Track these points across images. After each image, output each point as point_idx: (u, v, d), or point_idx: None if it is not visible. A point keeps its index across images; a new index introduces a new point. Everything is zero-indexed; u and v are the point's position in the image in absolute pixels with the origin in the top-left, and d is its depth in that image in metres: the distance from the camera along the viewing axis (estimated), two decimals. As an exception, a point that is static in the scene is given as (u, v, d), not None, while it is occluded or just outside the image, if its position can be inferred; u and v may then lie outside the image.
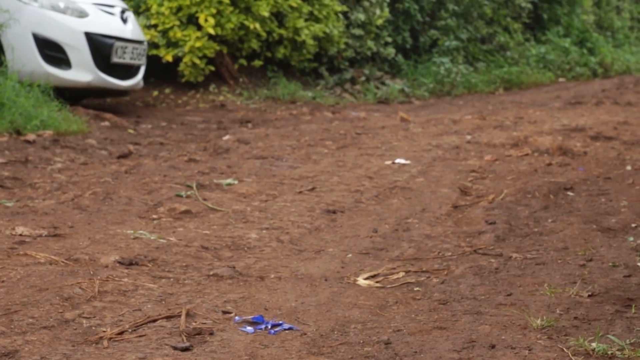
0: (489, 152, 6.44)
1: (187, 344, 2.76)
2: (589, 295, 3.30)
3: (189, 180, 5.24)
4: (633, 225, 4.41)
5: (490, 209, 4.72)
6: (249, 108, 10.23)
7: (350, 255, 3.93)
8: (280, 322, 3.01)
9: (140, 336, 2.83)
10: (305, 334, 2.92)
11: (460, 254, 3.96)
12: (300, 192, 5.08)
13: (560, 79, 15.58)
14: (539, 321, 2.98)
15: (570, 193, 5.14)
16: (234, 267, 3.60)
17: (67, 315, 2.98)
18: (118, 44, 8.58)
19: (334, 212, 4.67)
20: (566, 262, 3.77)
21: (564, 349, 2.77)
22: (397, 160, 6.07)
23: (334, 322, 3.04)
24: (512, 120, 8.52)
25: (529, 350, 2.76)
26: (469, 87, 13.10)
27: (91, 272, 3.42)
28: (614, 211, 4.69)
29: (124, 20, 8.91)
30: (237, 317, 3.04)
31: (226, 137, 7.32)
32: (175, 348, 2.74)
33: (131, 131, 7.88)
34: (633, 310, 3.14)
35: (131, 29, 8.99)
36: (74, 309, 3.04)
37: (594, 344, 2.79)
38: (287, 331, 2.94)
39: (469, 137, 7.18)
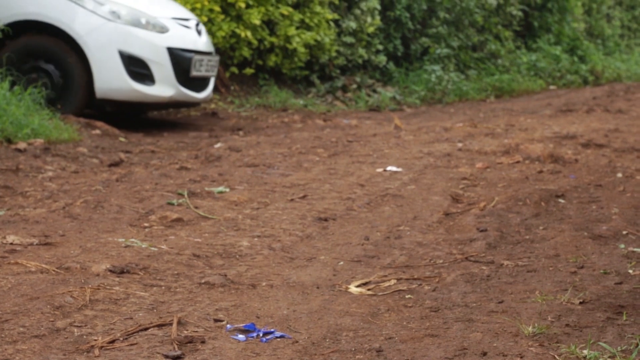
0: (481, 160, 6.44)
1: (179, 353, 2.76)
2: (581, 303, 3.31)
3: (181, 188, 5.23)
4: (624, 232, 4.41)
5: (482, 216, 4.73)
6: (241, 116, 10.23)
7: (342, 262, 3.93)
8: (272, 330, 3.00)
9: (131, 345, 2.83)
10: (297, 341, 2.92)
11: (451, 261, 3.96)
12: (291, 200, 5.08)
13: (551, 87, 15.61)
14: (530, 328, 2.98)
15: (561, 200, 5.15)
16: (225, 275, 3.60)
17: (58, 324, 2.97)
18: (196, 57, 8.64)
19: (326, 219, 4.67)
20: (557, 270, 3.78)
21: (556, 356, 2.78)
22: (389, 168, 6.08)
23: (325, 329, 3.04)
24: (503, 127, 8.53)
25: (521, 357, 2.76)
26: (460, 94, 13.12)
27: (82, 281, 3.41)
28: (605, 218, 4.70)
29: (199, 33, 8.96)
30: (228, 325, 3.03)
31: (218, 145, 7.32)
32: (166, 356, 2.73)
33: (122, 139, 7.87)
34: (624, 318, 3.14)
35: (205, 41, 9.05)
36: (65, 317, 3.04)
37: (585, 351, 2.79)
38: (278, 339, 2.94)
39: (460, 144, 7.19)
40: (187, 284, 3.51)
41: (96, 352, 2.76)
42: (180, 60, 8.51)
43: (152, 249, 3.97)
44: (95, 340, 2.85)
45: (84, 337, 2.88)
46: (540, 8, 17.11)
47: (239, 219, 4.62)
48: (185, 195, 5.03)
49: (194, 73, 8.66)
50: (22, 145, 6.49)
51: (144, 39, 8.32)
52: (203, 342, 2.87)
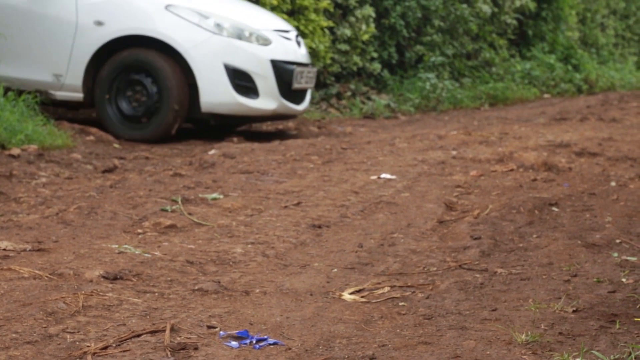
0: (475, 168, 6.45)
1: (172, 359, 2.75)
2: (574, 311, 3.31)
3: (174, 195, 5.23)
4: (617, 241, 4.42)
5: (476, 224, 4.73)
6: (235, 123, 10.21)
7: (335, 270, 3.93)
8: (265, 337, 3.00)
9: (124, 351, 2.82)
10: (290, 348, 2.92)
11: (445, 269, 3.96)
12: (285, 207, 5.08)
13: (545, 95, 15.64)
14: (523, 336, 2.98)
15: (555, 209, 5.15)
16: (219, 282, 3.59)
17: (50, 330, 2.96)
18: (297, 69, 8.61)
19: (320, 226, 4.67)
20: (551, 278, 3.78)
21: (549, 364, 2.78)
22: (383, 175, 6.08)
23: (319, 337, 3.04)
24: (497, 135, 8.54)
25: (514, 365, 2.76)
26: (455, 102, 13.14)
27: (75, 287, 3.40)
28: (599, 227, 4.70)
29: (298, 44, 8.94)
30: (221, 332, 3.03)
31: (212, 152, 7.32)
32: (159, 363, 2.73)
33: (116, 145, 7.86)
34: (617, 326, 3.14)
35: (304, 52, 9.03)
36: (58, 323, 3.03)
37: (578, 359, 2.79)
38: (272, 346, 2.94)
39: (454, 152, 7.20)
40: (180, 290, 3.51)
41: (89, 358, 2.75)
42: (282, 72, 8.47)
43: (146, 255, 3.97)
44: (88, 346, 2.84)
45: (77, 343, 2.88)
46: (535, 17, 17.14)
47: (233, 226, 4.62)
48: (179, 202, 5.03)
49: (296, 85, 8.62)
50: (15, 151, 6.49)
51: (248, 51, 8.28)
52: (196, 348, 2.86)
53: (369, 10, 12.46)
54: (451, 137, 8.30)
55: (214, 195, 5.29)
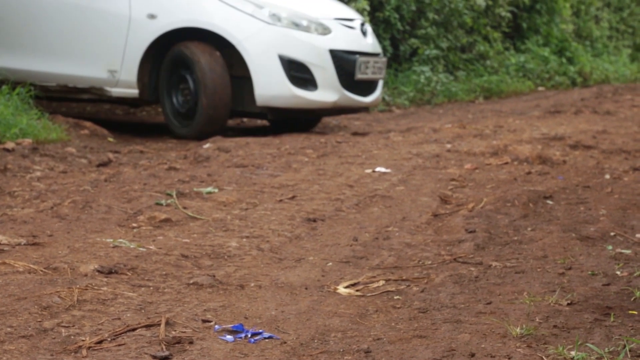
0: (469, 161, 6.45)
1: (167, 353, 2.75)
2: (568, 304, 3.32)
3: (169, 189, 5.22)
4: (612, 233, 4.43)
5: (470, 217, 4.73)
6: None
7: (330, 263, 3.93)
8: (260, 330, 3.00)
9: (119, 345, 2.82)
10: (285, 342, 2.92)
11: (440, 262, 3.96)
12: (280, 201, 5.08)
13: (540, 88, 15.64)
14: (518, 330, 2.99)
15: (549, 202, 5.16)
16: (213, 276, 3.59)
17: (45, 324, 2.96)
18: (361, 59, 8.29)
19: (315, 220, 4.67)
20: (545, 271, 3.78)
21: (543, 357, 2.78)
22: (378, 169, 6.08)
23: (314, 330, 3.04)
24: (491, 129, 8.55)
25: (509, 358, 2.77)
26: (449, 95, 13.14)
27: (70, 281, 3.40)
28: (593, 220, 4.71)
29: (364, 34, 8.60)
30: (216, 326, 3.03)
31: (206, 146, 7.31)
32: (154, 357, 2.73)
33: (111, 139, 7.86)
34: (612, 319, 3.15)
35: (371, 42, 8.68)
36: (53, 318, 3.03)
37: (573, 353, 2.80)
38: (267, 340, 2.94)
39: (449, 145, 7.20)
40: (175, 284, 3.51)
41: (84, 352, 2.75)
42: (343, 62, 8.19)
43: (141, 249, 3.96)
44: (83, 340, 2.84)
45: (72, 337, 2.88)
46: (529, 9, 17.14)
47: (228, 220, 4.62)
48: (174, 196, 5.03)
49: (359, 76, 8.30)
50: (10, 145, 6.48)
51: (305, 41, 8.02)
52: (191, 342, 2.87)
53: (363, 4, 12.44)
54: (446, 131, 8.30)
55: (209, 189, 5.29)
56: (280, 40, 7.95)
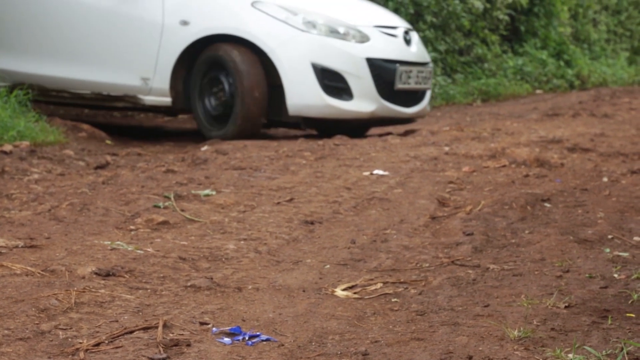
0: (467, 164, 6.45)
1: (164, 356, 2.75)
2: (566, 307, 3.31)
3: (167, 191, 5.22)
4: (609, 236, 4.42)
5: (468, 220, 4.73)
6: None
7: (328, 266, 3.93)
8: (258, 333, 3.00)
9: (116, 347, 2.82)
10: (282, 345, 2.92)
11: (438, 265, 3.96)
12: (278, 203, 5.07)
13: (538, 91, 15.65)
14: (516, 332, 2.99)
15: (547, 204, 5.16)
16: (211, 278, 3.59)
17: (43, 326, 2.96)
18: (402, 68, 8.08)
19: (312, 223, 4.67)
20: (543, 274, 3.78)
21: (541, 360, 2.78)
22: (376, 171, 6.08)
23: (311, 333, 3.04)
24: (489, 131, 8.55)
25: (506, 361, 2.77)
26: (447, 98, 13.15)
27: (68, 284, 3.40)
28: (591, 222, 4.71)
29: (407, 42, 8.35)
30: (214, 328, 3.03)
31: (204, 148, 7.31)
32: (152, 359, 2.73)
33: (109, 142, 7.85)
34: (609, 322, 3.15)
35: (415, 51, 8.44)
36: (50, 320, 3.03)
37: (570, 355, 2.80)
38: (264, 342, 2.94)
39: (447, 148, 7.20)
40: (172, 287, 3.50)
41: (81, 355, 2.75)
42: (382, 71, 7.98)
43: (138, 251, 3.96)
44: (81, 343, 2.84)
45: (69, 340, 2.87)
46: (527, 12, 17.16)
47: (225, 222, 4.62)
48: (172, 198, 5.02)
49: (400, 86, 8.10)
50: (7, 147, 6.47)
51: (340, 49, 7.83)
52: (189, 345, 2.86)
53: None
54: (443, 133, 8.30)
55: (207, 191, 5.29)
56: (313, 48, 7.79)
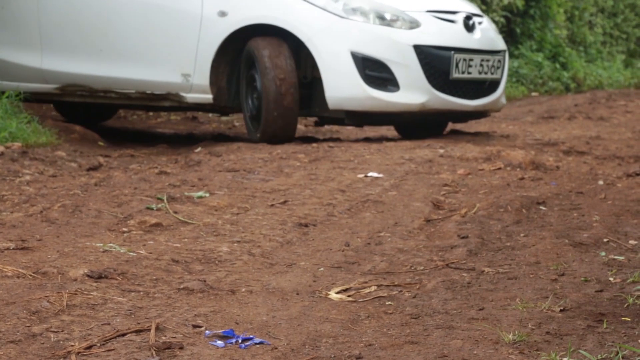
0: (462, 166, 6.44)
1: (157, 358, 2.73)
2: (561, 310, 3.30)
3: (160, 193, 5.20)
4: (605, 240, 4.41)
5: (463, 223, 4.72)
6: (221, 120, 10.20)
7: (322, 269, 3.91)
8: (251, 336, 2.98)
9: (109, 350, 2.80)
10: (276, 348, 2.90)
11: (432, 268, 3.94)
12: (272, 205, 5.06)
13: (533, 94, 15.66)
14: (510, 336, 2.97)
15: (542, 207, 5.14)
16: (204, 281, 3.57)
17: (34, 329, 2.94)
18: (458, 56, 7.47)
19: (306, 225, 4.65)
20: (538, 277, 3.77)
21: (536, 364, 2.76)
22: (370, 174, 6.06)
23: (305, 336, 3.02)
24: (484, 134, 8.54)
25: (501, 365, 2.75)
26: (442, 100, 13.11)
27: (59, 286, 3.38)
28: (586, 226, 4.70)
29: (469, 28, 7.70)
30: (207, 331, 3.01)
31: (198, 150, 7.29)
32: (143, 363, 2.71)
33: (101, 143, 7.83)
34: (605, 326, 3.13)
35: (479, 37, 7.74)
36: (42, 322, 3.01)
37: (565, 359, 2.78)
38: (257, 345, 2.92)
39: (441, 150, 7.18)
40: (165, 289, 3.48)
41: (73, 357, 2.73)
42: (433, 60, 7.41)
43: (131, 254, 3.94)
44: (72, 345, 2.82)
45: (61, 342, 2.85)
46: (523, 14, 17.16)
47: (219, 224, 4.60)
48: (165, 200, 5.00)
49: (456, 75, 7.50)
50: (-1, 148, 6.45)
51: (382, 36, 7.31)
52: (181, 348, 2.84)
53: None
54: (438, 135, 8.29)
55: (200, 193, 5.27)
56: (353, 36, 7.30)
